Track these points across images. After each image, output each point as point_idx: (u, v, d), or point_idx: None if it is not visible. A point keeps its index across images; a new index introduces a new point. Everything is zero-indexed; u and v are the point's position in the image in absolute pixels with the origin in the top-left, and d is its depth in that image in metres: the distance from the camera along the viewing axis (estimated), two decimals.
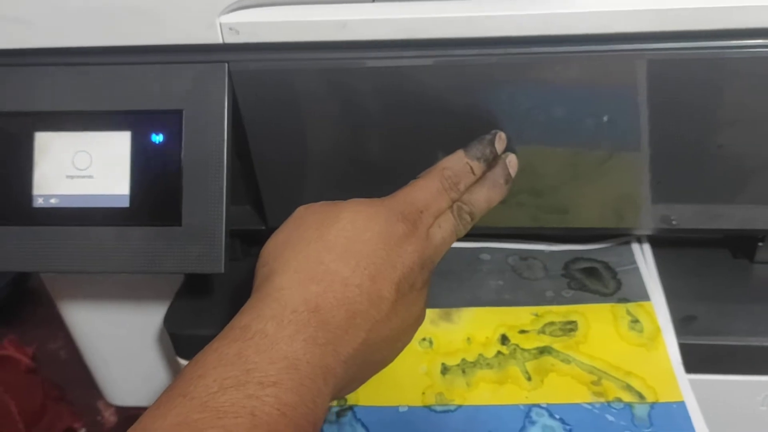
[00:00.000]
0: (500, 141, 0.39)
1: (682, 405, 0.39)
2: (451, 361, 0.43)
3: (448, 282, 0.48)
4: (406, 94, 0.39)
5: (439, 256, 0.37)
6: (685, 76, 0.37)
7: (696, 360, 0.42)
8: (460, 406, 0.40)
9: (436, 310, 0.46)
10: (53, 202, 0.40)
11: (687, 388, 0.40)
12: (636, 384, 0.40)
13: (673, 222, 0.44)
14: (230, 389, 0.28)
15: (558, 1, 0.36)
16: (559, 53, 0.37)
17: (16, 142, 0.41)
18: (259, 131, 0.41)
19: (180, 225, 0.40)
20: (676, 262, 0.49)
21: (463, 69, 0.38)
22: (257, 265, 0.35)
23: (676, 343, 0.42)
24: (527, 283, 0.48)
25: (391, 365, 0.36)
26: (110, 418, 0.80)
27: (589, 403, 0.40)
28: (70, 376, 0.81)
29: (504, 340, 0.44)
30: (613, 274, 0.48)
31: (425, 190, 0.36)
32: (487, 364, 0.42)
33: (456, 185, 0.37)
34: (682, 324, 0.44)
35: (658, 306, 0.45)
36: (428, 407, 0.41)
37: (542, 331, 0.44)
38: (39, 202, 0.41)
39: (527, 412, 0.40)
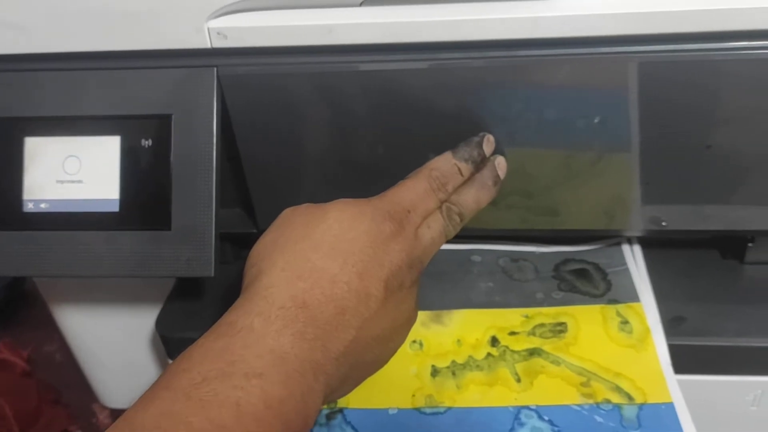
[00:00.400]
0: (488, 143, 0.39)
1: (670, 406, 0.39)
2: (441, 363, 0.43)
3: (438, 283, 0.48)
4: (395, 97, 0.39)
5: (428, 257, 0.37)
6: (672, 78, 0.37)
7: (685, 361, 0.43)
8: (449, 408, 0.41)
9: (427, 312, 0.46)
10: (43, 206, 0.41)
11: (676, 389, 0.40)
12: (625, 385, 0.41)
13: (663, 223, 0.44)
14: (214, 380, 0.28)
15: (546, 4, 0.36)
16: (547, 56, 0.37)
17: (6, 147, 0.41)
18: (249, 135, 0.41)
19: (170, 229, 0.40)
20: (667, 263, 0.49)
21: (452, 72, 0.38)
22: (245, 267, 0.35)
23: (665, 344, 0.42)
24: (518, 284, 0.48)
25: None
26: (105, 420, 0.80)
27: (578, 405, 0.40)
28: (66, 378, 0.81)
29: (494, 341, 0.44)
30: (604, 275, 0.48)
31: (412, 191, 0.36)
32: (477, 366, 0.43)
33: (444, 186, 0.37)
34: (672, 325, 0.44)
35: (647, 307, 0.45)
36: (418, 409, 0.41)
37: (532, 333, 0.44)
38: (29, 207, 0.41)
39: (516, 413, 0.40)
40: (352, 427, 0.40)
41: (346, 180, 0.43)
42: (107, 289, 0.53)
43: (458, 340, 0.44)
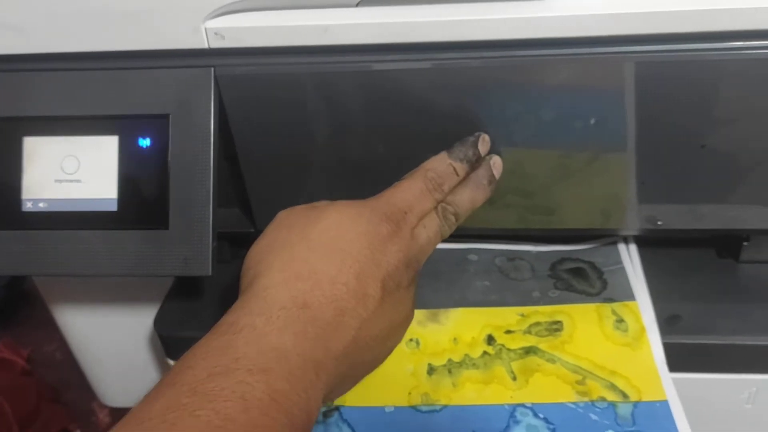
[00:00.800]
0: (483, 143, 0.39)
1: (665, 404, 0.39)
2: (438, 362, 0.43)
3: (435, 282, 0.48)
4: (392, 97, 0.39)
5: (425, 256, 0.37)
6: (669, 77, 0.37)
7: (681, 359, 0.43)
8: (445, 406, 0.41)
9: (424, 311, 0.46)
10: (42, 206, 0.41)
11: (670, 387, 0.40)
12: (620, 383, 0.41)
13: (659, 223, 0.44)
14: (219, 376, 0.28)
15: (543, 4, 0.36)
16: (544, 56, 0.37)
17: (5, 147, 0.41)
18: (246, 134, 0.41)
19: (167, 228, 0.40)
20: (662, 262, 0.49)
21: (448, 72, 0.38)
22: (242, 271, 0.35)
23: (660, 342, 0.43)
24: (514, 283, 0.48)
25: None
26: (105, 419, 0.80)
27: (573, 403, 0.40)
28: (65, 377, 0.81)
29: (490, 340, 0.44)
30: (600, 274, 0.48)
31: (409, 191, 0.37)
32: (473, 365, 0.43)
33: (440, 186, 0.37)
34: (667, 323, 0.44)
35: (643, 306, 0.45)
36: (414, 407, 0.41)
37: (528, 332, 0.44)
38: (28, 206, 0.41)
39: (512, 411, 0.40)
40: (349, 425, 0.40)
41: (343, 179, 0.43)
42: (106, 288, 0.53)
43: (454, 339, 0.44)
